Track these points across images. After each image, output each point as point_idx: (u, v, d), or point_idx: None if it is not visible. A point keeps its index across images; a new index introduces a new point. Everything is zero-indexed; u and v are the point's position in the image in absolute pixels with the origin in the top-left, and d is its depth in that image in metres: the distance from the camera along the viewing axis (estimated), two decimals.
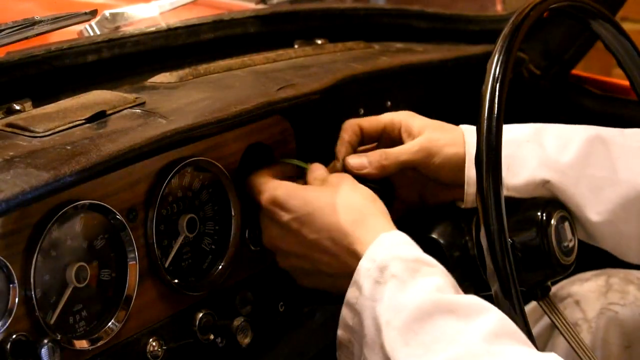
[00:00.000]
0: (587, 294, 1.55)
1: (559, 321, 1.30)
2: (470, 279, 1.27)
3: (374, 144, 1.36)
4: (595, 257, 1.46)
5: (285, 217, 1.23)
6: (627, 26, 1.34)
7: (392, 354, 1.07)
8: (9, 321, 1.02)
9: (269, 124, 1.32)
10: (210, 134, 1.21)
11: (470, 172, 1.29)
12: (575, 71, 1.87)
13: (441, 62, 1.62)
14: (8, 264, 1.02)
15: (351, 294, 1.15)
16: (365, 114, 1.45)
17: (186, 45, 1.47)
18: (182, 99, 1.25)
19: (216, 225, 1.27)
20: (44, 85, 1.28)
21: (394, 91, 1.54)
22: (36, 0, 2.05)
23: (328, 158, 1.33)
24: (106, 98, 1.21)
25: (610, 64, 1.52)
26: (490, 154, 1.11)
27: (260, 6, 1.66)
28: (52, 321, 1.08)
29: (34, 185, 0.99)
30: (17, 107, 1.18)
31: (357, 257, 1.16)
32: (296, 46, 1.56)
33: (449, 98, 1.66)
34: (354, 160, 1.31)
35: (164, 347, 1.18)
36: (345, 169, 1.31)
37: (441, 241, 1.29)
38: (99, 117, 1.16)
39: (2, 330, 1.01)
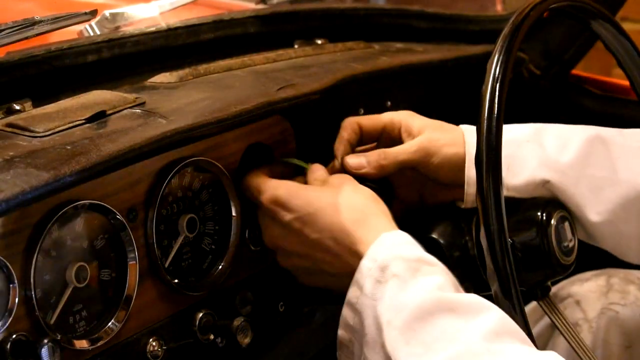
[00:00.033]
0: (587, 294, 1.55)
1: (559, 321, 1.30)
2: (470, 279, 1.27)
3: (374, 144, 1.36)
4: (595, 257, 1.46)
5: (287, 216, 1.23)
6: (627, 26, 1.34)
7: (393, 354, 1.07)
8: (9, 321, 1.02)
9: (269, 124, 1.32)
10: (210, 134, 1.21)
11: (471, 172, 1.29)
12: (575, 71, 1.87)
13: (441, 62, 1.62)
14: (8, 264, 1.02)
15: (352, 293, 1.15)
16: (365, 114, 1.45)
17: (186, 45, 1.47)
18: (182, 99, 1.25)
19: (216, 225, 1.27)
20: (44, 85, 1.28)
21: (394, 91, 1.54)
22: (36, 0, 2.05)
23: (328, 158, 1.33)
24: (106, 98, 1.21)
25: (610, 64, 1.52)
26: (490, 154, 1.11)
27: (260, 6, 1.66)
28: (52, 321, 1.08)
29: (34, 185, 0.99)
30: (17, 107, 1.18)
31: (358, 257, 1.16)
32: (296, 46, 1.56)
33: (449, 98, 1.66)
34: (353, 160, 1.31)
35: (164, 347, 1.18)
36: (343, 168, 1.31)
37: (441, 241, 1.29)
38: (99, 117, 1.16)
39: (2, 330, 1.01)
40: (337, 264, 1.20)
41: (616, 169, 1.30)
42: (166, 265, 1.21)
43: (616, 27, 1.29)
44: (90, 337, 1.11)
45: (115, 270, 1.15)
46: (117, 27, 1.46)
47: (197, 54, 1.45)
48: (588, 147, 1.31)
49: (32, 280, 1.04)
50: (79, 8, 1.28)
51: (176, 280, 1.21)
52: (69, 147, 1.07)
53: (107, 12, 1.46)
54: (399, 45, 1.67)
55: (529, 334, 1.08)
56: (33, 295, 1.04)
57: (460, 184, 1.30)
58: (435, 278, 1.11)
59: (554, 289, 1.37)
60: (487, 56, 1.16)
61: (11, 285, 1.02)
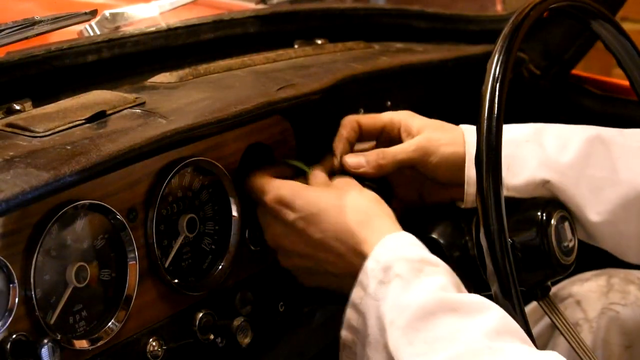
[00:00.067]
0: (587, 294, 1.55)
1: (559, 321, 1.30)
2: (470, 279, 1.26)
3: (373, 144, 1.36)
4: (595, 257, 1.46)
5: (291, 216, 1.23)
6: (627, 26, 1.34)
7: (396, 354, 1.07)
8: (9, 321, 1.02)
9: (269, 124, 1.32)
10: (210, 134, 1.21)
11: (470, 172, 1.29)
12: (575, 71, 1.87)
13: (441, 62, 1.62)
14: (8, 264, 1.02)
15: (356, 294, 1.15)
16: (366, 114, 1.45)
17: (186, 45, 1.47)
18: (182, 99, 1.25)
19: (216, 225, 1.27)
20: (44, 85, 1.28)
21: (394, 91, 1.54)
22: (36, 0, 2.05)
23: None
24: (106, 98, 1.21)
25: (610, 64, 1.52)
26: (490, 154, 1.11)
27: (260, 6, 1.66)
28: (52, 321, 1.08)
29: (34, 185, 0.99)
30: (17, 107, 1.18)
31: (362, 257, 1.16)
32: (296, 46, 1.56)
33: (449, 98, 1.66)
34: (352, 160, 1.31)
35: (164, 347, 1.18)
36: (342, 168, 1.31)
37: (441, 241, 1.29)
38: (99, 117, 1.16)
39: (2, 330, 1.01)
40: (340, 264, 1.20)
41: (616, 169, 1.30)
42: (166, 265, 1.21)
43: (616, 27, 1.29)
44: (90, 337, 1.11)
45: (115, 270, 1.15)
46: (117, 27, 1.46)
47: (197, 54, 1.45)
48: (588, 147, 1.31)
49: (32, 280, 1.04)
50: (79, 8, 1.28)
51: (176, 280, 1.21)
52: (69, 147, 1.07)
53: (107, 12, 1.46)
54: (399, 45, 1.67)
55: (529, 334, 1.08)
56: (33, 295, 1.04)
57: (458, 183, 1.30)
58: (438, 278, 1.12)
59: (554, 289, 1.37)
60: (487, 56, 1.16)
61: (11, 285, 1.02)
